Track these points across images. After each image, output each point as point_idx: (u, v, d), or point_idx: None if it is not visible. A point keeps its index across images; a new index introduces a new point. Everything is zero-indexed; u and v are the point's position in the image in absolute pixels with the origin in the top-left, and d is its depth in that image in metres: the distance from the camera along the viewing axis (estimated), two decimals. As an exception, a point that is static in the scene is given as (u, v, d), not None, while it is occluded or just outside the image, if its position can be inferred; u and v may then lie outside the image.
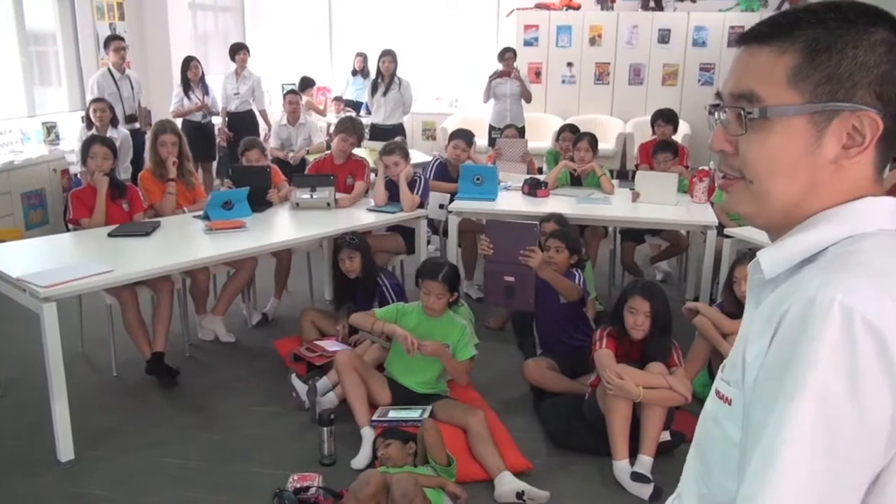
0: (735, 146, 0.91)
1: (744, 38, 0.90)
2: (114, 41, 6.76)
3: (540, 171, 6.27)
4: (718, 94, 0.95)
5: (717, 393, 0.92)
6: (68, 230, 4.36)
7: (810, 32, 0.84)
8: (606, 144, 8.35)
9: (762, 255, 0.91)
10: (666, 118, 6.13)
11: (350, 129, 5.12)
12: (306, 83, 9.06)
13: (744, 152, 0.90)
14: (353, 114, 8.93)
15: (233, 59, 7.51)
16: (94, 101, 6.05)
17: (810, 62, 0.83)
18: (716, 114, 0.93)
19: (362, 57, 9.43)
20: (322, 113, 9.11)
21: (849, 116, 0.83)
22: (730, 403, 0.89)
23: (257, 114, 7.71)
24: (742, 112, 0.88)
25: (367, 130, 6.92)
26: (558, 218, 4.39)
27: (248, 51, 7.60)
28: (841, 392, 0.72)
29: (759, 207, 0.91)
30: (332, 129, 8.58)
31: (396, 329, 3.52)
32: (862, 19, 0.83)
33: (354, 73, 9.53)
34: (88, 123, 5.99)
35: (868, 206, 0.86)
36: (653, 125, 6.27)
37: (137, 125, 6.83)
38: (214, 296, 4.60)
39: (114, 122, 6.10)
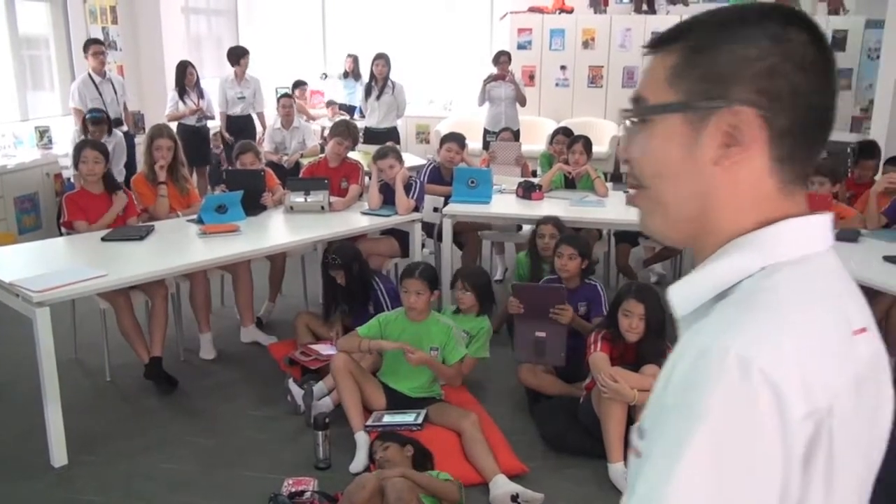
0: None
1: (645, 47, 0.86)
2: (92, 45, 6.68)
3: (534, 174, 6.28)
4: None
5: (632, 446, 0.81)
6: (61, 234, 4.34)
7: (696, 33, 0.80)
8: (600, 147, 8.36)
9: (672, 290, 0.83)
10: None
11: (345, 132, 5.13)
12: (295, 85, 9.09)
13: (631, 156, 0.86)
14: (347, 117, 8.95)
15: (236, 62, 7.49)
16: (93, 119, 5.96)
17: (689, 61, 0.79)
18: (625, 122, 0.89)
19: (353, 58, 9.43)
20: (310, 115, 9.10)
21: (726, 114, 0.76)
22: (639, 456, 0.77)
23: (255, 117, 7.72)
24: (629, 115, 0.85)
25: (360, 134, 6.92)
26: (555, 221, 4.39)
27: (249, 54, 7.61)
28: (732, 447, 0.66)
29: (663, 220, 0.84)
30: (326, 132, 8.62)
31: (383, 344, 3.54)
32: (754, 16, 0.77)
33: (346, 74, 9.53)
34: (84, 130, 5.96)
35: (785, 231, 0.78)
36: None
37: (125, 128, 6.80)
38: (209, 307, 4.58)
39: (108, 130, 6.09)
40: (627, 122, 0.87)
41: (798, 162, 0.79)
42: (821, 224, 0.80)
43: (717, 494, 0.66)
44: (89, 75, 6.68)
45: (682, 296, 0.82)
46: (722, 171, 0.78)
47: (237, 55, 7.52)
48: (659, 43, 0.83)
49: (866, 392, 0.77)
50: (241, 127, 7.46)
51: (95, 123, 5.92)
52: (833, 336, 0.74)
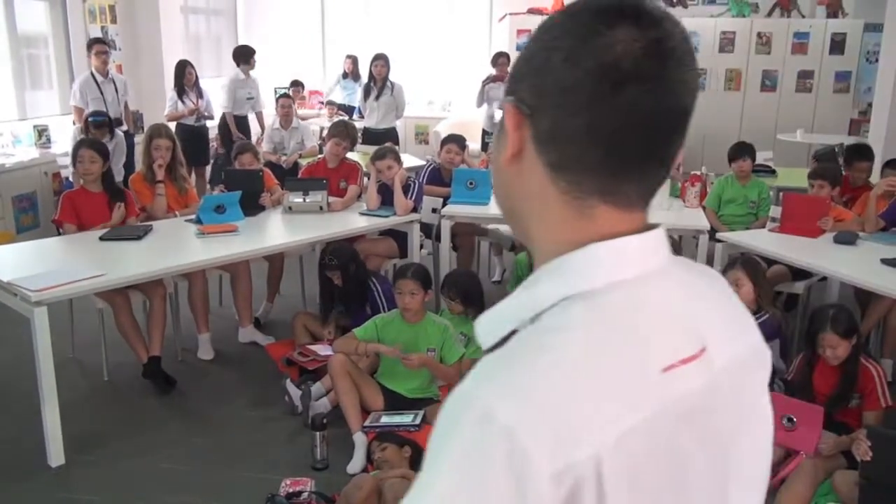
0: None
1: None
2: (95, 45, 6.70)
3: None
4: None
5: None
6: (59, 234, 4.34)
7: None
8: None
9: (478, 320, 0.76)
10: None
11: (343, 133, 5.13)
12: (292, 84, 9.14)
13: None
14: (346, 117, 8.95)
15: (246, 62, 7.53)
16: (94, 122, 5.99)
17: (516, 60, 0.75)
18: None
19: (352, 59, 9.43)
20: (298, 116, 9.12)
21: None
22: None
23: (254, 117, 7.75)
24: None
25: (359, 134, 6.92)
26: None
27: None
28: (464, 501, 0.61)
29: (503, 214, 0.81)
30: (324, 132, 8.62)
31: (380, 347, 3.55)
32: (566, 12, 0.71)
33: (345, 75, 9.53)
34: (85, 128, 5.98)
35: (589, 258, 0.70)
36: None
37: (125, 128, 6.79)
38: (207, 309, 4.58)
39: (110, 131, 6.10)
40: None
41: (577, 175, 0.70)
42: (642, 245, 0.72)
43: None
44: (92, 74, 6.68)
45: (486, 327, 0.74)
46: (513, 172, 0.74)
47: (248, 54, 7.55)
48: None
49: (699, 424, 0.70)
50: (245, 127, 7.56)
51: (98, 127, 5.93)
52: (615, 380, 0.65)
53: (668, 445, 0.67)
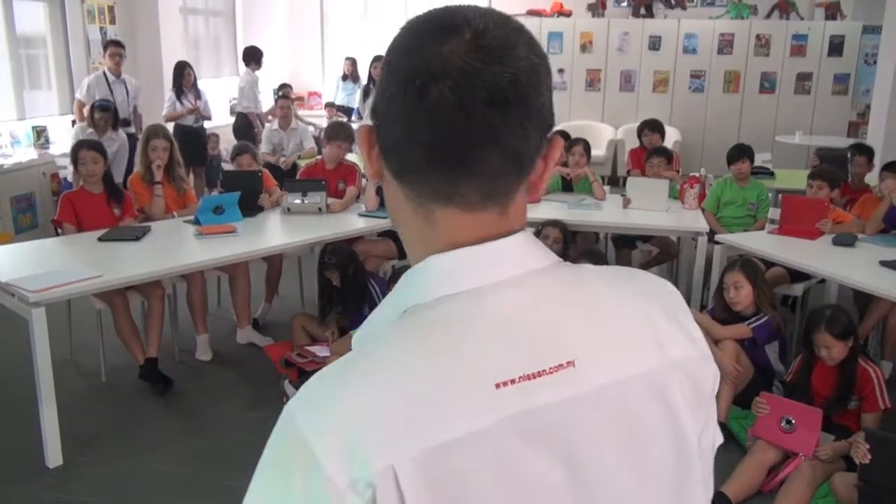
0: None
1: None
2: (110, 46, 6.80)
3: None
4: None
5: None
6: (58, 234, 4.33)
7: None
8: (597, 151, 8.37)
9: (356, 334, 0.77)
10: (651, 127, 6.22)
11: (343, 134, 5.12)
12: (280, 87, 9.17)
13: None
14: (345, 119, 8.94)
15: (258, 63, 7.86)
16: (100, 106, 6.06)
17: None
18: None
19: (351, 61, 9.44)
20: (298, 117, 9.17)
21: None
22: None
23: (255, 117, 7.85)
24: None
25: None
26: (560, 225, 4.40)
27: None
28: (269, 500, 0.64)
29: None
30: (322, 134, 8.63)
31: None
32: (417, 22, 0.77)
33: (344, 77, 9.54)
34: (90, 121, 5.99)
35: (426, 270, 0.72)
36: (640, 136, 6.35)
37: (132, 129, 6.80)
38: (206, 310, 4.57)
39: (114, 126, 6.11)
40: None
41: (412, 181, 0.71)
42: (487, 255, 0.70)
43: None
44: (104, 73, 6.71)
45: (357, 338, 0.76)
46: (384, 187, 0.76)
47: (260, 56, 7.90)
48: None
49: (553, 443, 0.66)
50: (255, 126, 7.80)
51: (102, 111, 5.98)
52: (432, 395, 0.64)
53: (503, 462, 0.64)
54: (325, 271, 4.14)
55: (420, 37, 0.71)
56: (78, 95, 6.78)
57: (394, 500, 0.61)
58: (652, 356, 0.72)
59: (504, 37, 0.68)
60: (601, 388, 0.69)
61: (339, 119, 8.91)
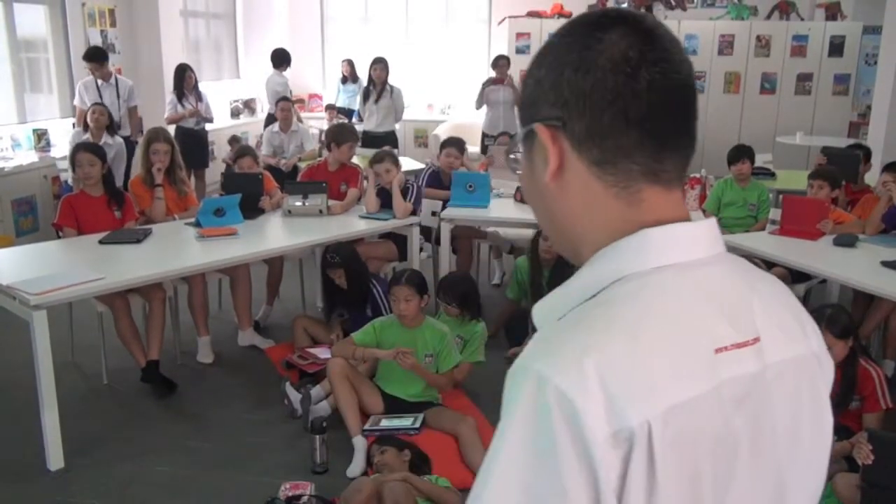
0: None
1: None
2: (89, 63, 6.63)
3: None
4: None
5: None
6: (59, 237, 4.34)
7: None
8: (598, 152, 8.39)
9: (535, 306, 0.81)
10: None
11: (353, 136, 5.13)
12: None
13: None
14: (346, 121, 8.95)
15: (288, 64, 8.19)
16: (94, 104, 6.09)
17: (523, 90, 0.81)
18: None
19: (348, 63, 9.45)
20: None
21: (534, 136, 0.78)
22: None
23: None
24: None
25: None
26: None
27: None
28: (534, 467, 0.65)
29: (549, 239, 0.89)
30: (324, 135, 8.64)
31: (376, 352, 3.54)
32: (561, 33, 0.79)
33: (344, 80, 9.55)
34: (84, 127, 5.99)
35: (641, 242, 0.75)
36: None
37: (126, 132, 6.78)
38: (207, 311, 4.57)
39: (110, 130, 6.10)
40: None
41: (621, 162, 0.75)
42: (693, 232, 0.76)
43: None
44: (94, 77, 6.71)
45: (542, 310, 0.80)
46: (555, 188, 0.78)
47: (289, 58, 8.26)
48: None
49: (750, 411, 0.73)
50: None
51: (96, 114, 5.98)
52: (668, 352, 0.69)
53: (718, 427, 0.70)
54: (328, 270, 4.13)
55: (594, 31, 0.76)
56: (75, 101, 6.79)
57: (645, 456, 0.65)
58: (802, 343, 0.81)
59: (671, 32, 0.77)
60: (777, 364, 0.76)
61: (341, 121, 8.92)
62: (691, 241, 0.76)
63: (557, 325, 0.73)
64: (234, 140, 8.13)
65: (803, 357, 0.80)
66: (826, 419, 0.83)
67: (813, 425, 0.81)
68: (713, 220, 0.79)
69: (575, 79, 0.74)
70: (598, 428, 0.64)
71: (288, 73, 8.37)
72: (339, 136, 5.11)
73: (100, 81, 6.67)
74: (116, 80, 6.82)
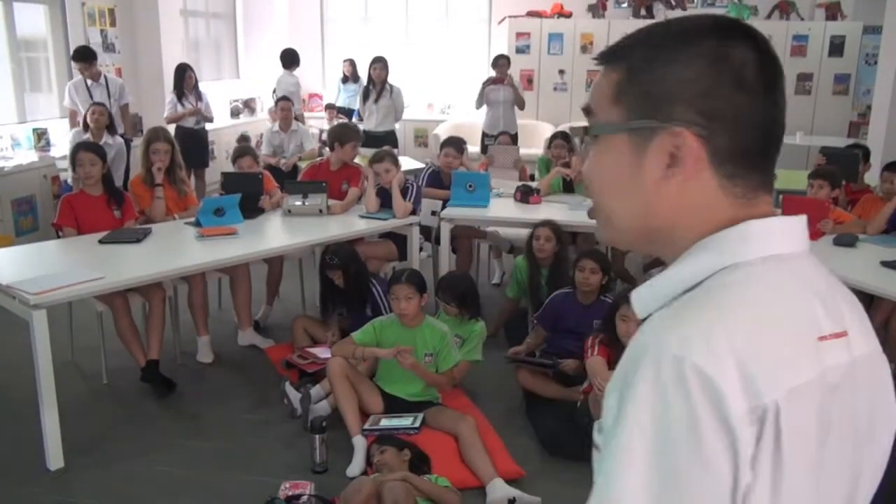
0: None
1: (595, 59, 0.87)
2: (78, 63, 6.60)
3: (532, 178, 6.29)
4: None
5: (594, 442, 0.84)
6: (59, 237, 4.34)
7: (638, 49, 0.80)
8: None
9: (634, 293, 0.83)
10: None
11: (357, 135, 5.14)
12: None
13: (584, 172, 0.88)
14: (346, 120, 8.95)
15: (297, 63, 8.36)
16: (94, 104, 6.08)
17: (630, 78, 0.79)
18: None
19: (349, 62, 9.45)
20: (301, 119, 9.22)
21: (666, 136, 0.76)
22: (599, 450, 0.79)
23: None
24: (583, 130, 0.86)
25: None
26: (552, 224, 4.39)
27: None
28: (673, 446, 0.66)
29: (611, 230, 0.86)
30: (324, 135, 8.65)
31: (377, 352, 3.53)
32: (693, 32, 0.78)
33: (345, 79, 9.54)
34: (84, 126, 5.99)
35: (746, 232, 0.77)
36: None
37: (121, 132, 6.76)
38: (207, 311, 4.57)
39: (110, 130, 6.10)
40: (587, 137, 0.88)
41: (749, 177, 0.78)
42: (789, 226, 0.80)
43: (663, 492, 0.66)
44: (84, 77, 6.69)
45: (643, 298, 0.82)
46: (666, 190, 0.78)
47: (298, 58, 8.35)
48: (604, 56, 0.84)
49: (841, 400, 0.75)
50: None
51: (95, 114, 5.94)
52: (787, 336, 0.72)
53: (820, 412, 0.73)
54: (326, 271, 4.14)
55: (737, 42, 0.78)
56: (65, 103, 6.77)
57: (773, 434, 0.68)
58: (872, 339, 0.83)
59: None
60: (860, 357, 0.79)
61: (342, 121, 8.92)
62: (788, 234, 0.79)
63: (677, 307, 0.75)
64: (243, 139, 8.11)
65: (877, 352, 0.83)
66: (892, 418, 0.84)
67: (885, 418, 0.83)
68: (804, 218, 0.81)
69: (731, 95, 0.76)
70: (737, 405, 0.66)
71: (297, 72, 8.41)
72: (342, 135, 5.11)
73: (89, 81, 6.64)
74: (106, 79, 6.78)
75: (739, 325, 0.70)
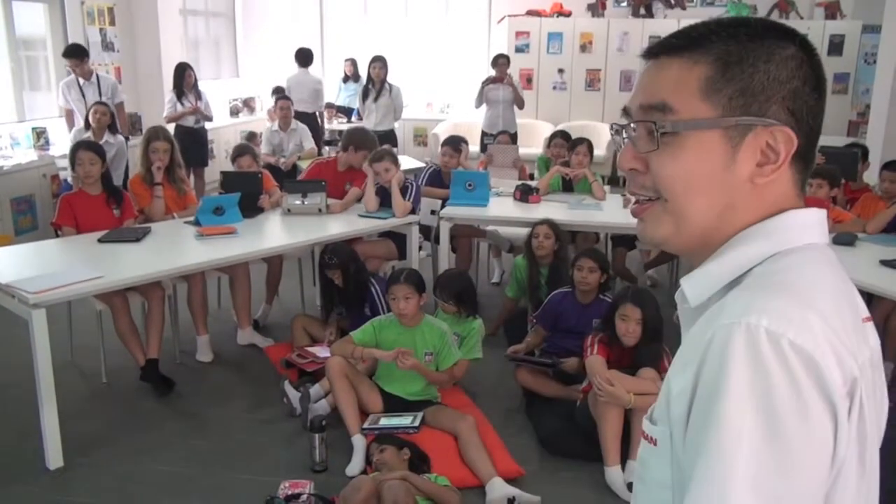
0: (646, 164, 0.86)
1: (653, 51, 0.86)
2: (68, 60, 6.57)
3: (531, 177, 6.29)
4: (626, 111, 0.90)
5: (644, 434, 0.86)
6: (57, 236, 4.34)
7: (722, 45, 0.80)
8: (598, 151, 8.35)
9: (685, 282, 0.86)
10: None
11: (375, 147, 5.00)
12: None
13: (657, 169, 0.84)
14: (345, 119, 8.96)
15: (312, 62, 8.36)
16: (96, 103, 6.09)
17: (723, 74, 0.80)
18: (623, 132, 0.88)
19: (351, 62, 9.45)
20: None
21: (762, 132, 0.79)
22: (655, 444, 0.83)
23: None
24: (654, 126, 0.83)
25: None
26: (551, 223, 4.39)
27: None
28: (783, 422, 0.68)
29: (676, 229, 0.85)
30: (326, 134, 8.66)
31: (375, 352, 3.53)
32: (771, 34, 0.81)
33: (346, 79, 9.54)
34: (86, 125, 5.99)
35: (792, 221, 0.82)
36: None
37: (116, 130, 6.75)
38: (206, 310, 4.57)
39: (112, 128, 6.09)
40: (630, 132, 0.87)
41: (806, 171, 0.85)
42: (820, 218, 0.85)
43: (777, 464, 0.68)
44: (76, 77, 6.68)
45: (696, 286, 0.85)
46: (753, 187, 0.81)
47: (312, 56, 8.38)
48: (675, 48, 0.83)
49: (876, 380, 0.80)
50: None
51: (97, 104, 5.99)
52: (848, 318, 0.77)
53: (873, 388, 0.78)
54: (326, 271, 4.14)
55: (802, 46, 0.83)
56: (59, 102, 6.77)
57: (858, 408, 0.73)
58: (876, 335, 0.86)
59: None
60: (875, 351, 0.82)
61: (341, 120, 8.93)
62: (820, 225, 0.85)
63: (751, 289, 0.77)
64: (251, 137, 8.09)
65: (877, 346, 0.86)
66: (886, 404, 0.87)
67: (884, 408, 0.86)
68: (825, 211, 0.86)
69: (810, 99, 0.81)
70: (833, 379, 0.69)
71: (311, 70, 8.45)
72: (361, 142, 5.01)
73: (81, 80, 6.62)
74: (98, 77, 6.76)
75: (817, 303, 0.74)
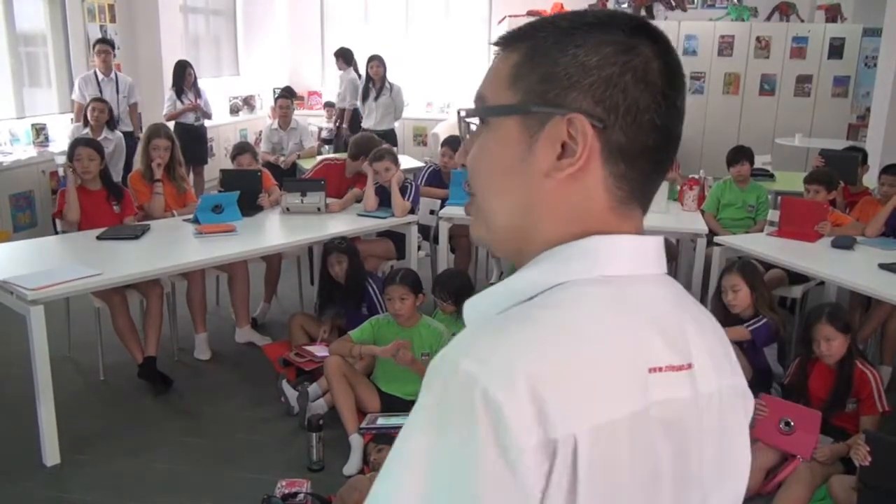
0: None
1: (495, 45, 0.79)
2: (98, 44, 6.81)
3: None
4: None
5: None
6: (57, 232, 4.33)
7: (542, 33, 0.73)
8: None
9: (467, 302, 0.77)
10: None
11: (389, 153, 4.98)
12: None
13: (468, 162, 0.78)
14: (371, 133, 8.93)
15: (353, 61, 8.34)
16: (94, 100, 6.11)
17: (531, 60, 0.72)
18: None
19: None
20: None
21: (561, 122, 0.69)
22: None
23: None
24: (467, 117, 0.78)
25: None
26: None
27: None
28: (448, 467, 0.60)
29: (487, 230, 0.78)
30: (323, 132, 8.64)
31: (374, 349, 3.52)
32: (602, 21, 0.72)
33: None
34: (84, 122, 6.00)
35: (586, 249, 0.71)
36: None
37: (129, 128, 6.79)
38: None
39: (110, 125, 6.10)
40: (470, 125, 0.79)
41: (636, 182, 0.72)
42: (641, 246, 0.73)
43: None
44: (95, 72, 6.72)
45: (477, 307, 0.76)
46: (552, 184, 0.71)
47: (352, 55, 8.39)
48: (506, 40, 0.77)
49: (677, 439, 0.69)
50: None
51: (97, 109, 6.00)
52: (603, 367, 0.65)
53: (645, 449, 0.66)
54: (332, 254, 4.09)
55: (642, 38, 0.73)
56: (73, 96, 6.81)
57: (567, 472, 0.61)
58: (730, 376, 0.77)
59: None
60: (708, 393, 0.73)
61: (365, 134, 8.86)
62: (638, 254, 0.73)
63: (491, 322, 0.68)
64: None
65: (732, 388, 0.77)
66: (746, 455, 0.80)
67: (735, 463, 0.78)
68: (661, 239, 0.76)
69: (634, 89, 0.70)
70: (524, 436, 0.59)
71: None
72: (369, 151, 4.88)
73: (101, 76, 6.69)
74: (116, 75, 6.84)
75: (548, 351, 0.63)
